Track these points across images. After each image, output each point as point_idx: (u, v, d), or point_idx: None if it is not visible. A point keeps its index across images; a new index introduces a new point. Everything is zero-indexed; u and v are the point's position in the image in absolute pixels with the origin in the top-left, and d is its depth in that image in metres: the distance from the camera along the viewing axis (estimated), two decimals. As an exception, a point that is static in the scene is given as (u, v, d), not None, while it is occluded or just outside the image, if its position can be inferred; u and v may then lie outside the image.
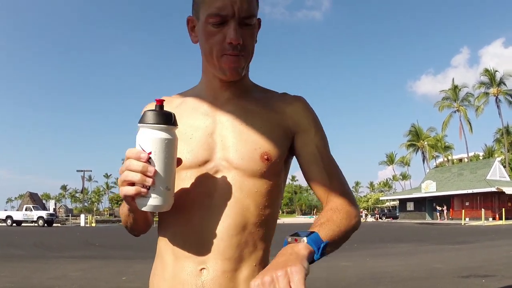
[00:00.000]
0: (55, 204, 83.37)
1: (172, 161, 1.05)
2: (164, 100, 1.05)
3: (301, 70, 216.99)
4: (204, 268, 1.15)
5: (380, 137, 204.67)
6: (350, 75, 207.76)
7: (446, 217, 52.03)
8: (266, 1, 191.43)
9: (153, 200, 1.02)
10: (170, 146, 1.03)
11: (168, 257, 1.21)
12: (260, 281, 0.89)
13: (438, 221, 50.66)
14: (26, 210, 47.48)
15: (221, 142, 1.22)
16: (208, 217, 1.17)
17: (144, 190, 1.00)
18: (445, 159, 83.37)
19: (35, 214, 46.31)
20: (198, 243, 1.17)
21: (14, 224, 45.87)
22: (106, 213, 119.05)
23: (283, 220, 79.40)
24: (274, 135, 1.24)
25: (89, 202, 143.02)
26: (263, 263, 1.22)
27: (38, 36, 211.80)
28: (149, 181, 1.00)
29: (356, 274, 9.47)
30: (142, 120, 1.02)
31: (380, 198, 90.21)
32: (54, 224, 49.13)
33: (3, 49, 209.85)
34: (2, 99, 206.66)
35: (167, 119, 1.02)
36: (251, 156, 1.19)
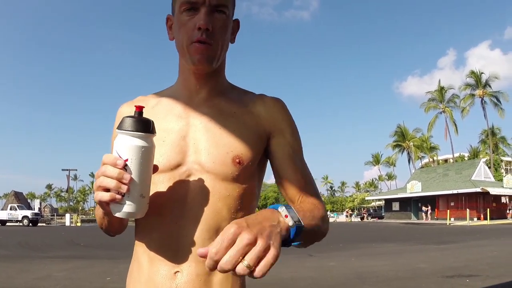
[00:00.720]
0: (40, 203, 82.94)
1: (148, 169, 1.05)
2: (143, 107, 1.05)
3: (288, 71, 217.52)
4: (178, 272, 1.16)
5: (366, 137, 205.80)
6: (337, 75, 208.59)
7: (430, 217, 52.35)
8: (254, 1, 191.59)
9: (127, 207, 1.02)
10: (147, 154, 1.03)
11: (144, 260, 1.21)
12: (235, 230, 0.87)
13: (424, 221, 50.97)
14: (10, 209, 47.13)
15: (193, 145, 1.22)
16: (181, 221, 1.17)
17: (118, 196, 1.00)
18: (431, 159, 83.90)
19: (19, 213, 46.01)
20: (172, 247, 1.17)
21: (-1, 224, 45.58)
22: (91, 212, 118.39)
23: (269, 220, 79.41)
24: (247, 138, 1.24)
25: (74, 202, 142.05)
26: None
27: (28, 35, 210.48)
28: (124, 188, 0.99)
29: (341, 274, 9.51)
30: (120, 126, 1.02)
31: (366, 198, 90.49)
32: (39, 224, 48.79)
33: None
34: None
35: (145, 127, 1.02)
36: (222, 159, 1.19)
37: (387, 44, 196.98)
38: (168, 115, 1.26)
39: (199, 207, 1.17)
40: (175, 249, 1.17)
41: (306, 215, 1.07)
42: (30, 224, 45.18)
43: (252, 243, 0.85)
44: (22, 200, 75.88)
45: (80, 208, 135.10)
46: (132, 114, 1.05)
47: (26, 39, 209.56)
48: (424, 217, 53.22)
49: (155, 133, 1.06)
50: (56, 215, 70.09)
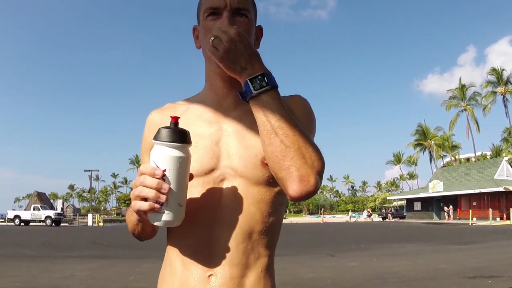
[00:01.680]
0: (63, 203, 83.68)
1: (185, 178, 1.08)
2: (179, 118, 1.07)
3: (307, 70, 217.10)
4: (212, 275, 1.18)
5: (387, 136, 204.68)
6: (356, 74, 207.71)
7: (452, 217, 51.84)
8: (271, 1, 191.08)
9: (166, 216, 1.05)
10: (184, 164, 1.06)
11: (177, 265, 1.24)
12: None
13: (446, 221, 50.50)
14: (34, 209, 47.61)
15: (225, 150, 1.23)
16: (216, 226, 1.19)
17: (157, 206, 1.03)
18: (453, 158, 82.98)
19: (43, 213, 46.44)
20: (207, 251, 1.19)
21: (22, 224, 46.09)
22: (113, 212, 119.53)
23: (290, 219, 79.36)
24: None
25: (96, 202, 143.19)
26: (269, 269, 1.25)
27: (45, 37, 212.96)
28: (163, 198, 1.03)
29: (362, 274, 9.51)
30: (157, 137, 1.05)
31: (387, 198, 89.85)
32: (61, 224, 49.27)
33: (8, 48, 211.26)
34: (10, 99, 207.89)
35: (182, 138, 1.05)
36: (253, 162, 1.20)
37: (406, 42, 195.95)
38: (198, 120, 1.28)
39: (232, 212, 1.19)
40: (208, 253, 1.19)
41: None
42: (53, 224, 45.70)
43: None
44: (45, 200, 76.58)
45: (102, 208, 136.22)
46: (163, 123, 1.11)
47: (46, 42, 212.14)
48: (446, 217, 52.72)
49: (191, 143, 1.09)
50: (79, 215, 70.57)
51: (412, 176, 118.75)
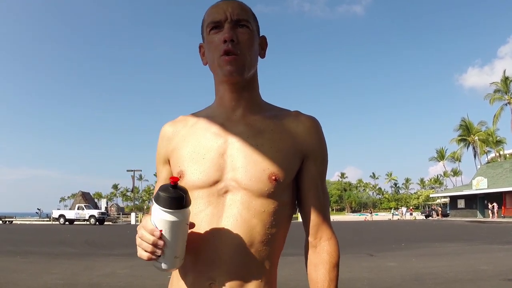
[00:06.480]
0: (107, 202, 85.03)
1: (182, 236, 1.17)
2: (178, 179, 1.13)
3: (345, 66, 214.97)
4: (212, 283, 1.23)
5: (430, 132, 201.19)
6: (395, 69, 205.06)
7: (497, 215, 50.57)
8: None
9: (162, 265, 1.18)
10: (178, 226, 1.14)
11: (182, 272, 1.30)
12: None
13: (490, 219, 49.36)
14: (78, 209, 48.49)
15: (231, 163, 1.27)
16: (217, 236, 1.23)
17: (154, 257, 1.15)
18: (497, 154, 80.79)
19: (87, 213, 47.32)
20: (208, 260, 1.24)
21: (67, 223, 47.02)
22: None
23: (333, 218, 78.77)
24: (283, 155, 1.29)
25: (140, 201, 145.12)
26: (269, 278, 1.28)
27: (91, 39, 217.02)
28: (158, 252, 1.13)
29: (400, 275, 9.41)
30: (156, 200, 1.13)
31: (431, 195, 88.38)
32: (105, 223, 50.14)
33: (54, 51, 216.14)
34: (53, 100, 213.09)
35: (177, 204, 1.12)
36: (259, 177, 1.24)
37: (444, 36, 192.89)
38: (207, 133, 1.33)
39: (234, 223, 1.23)
40: (210, 262, 1.23)
41: None
42: (97, 223, 46.55)
43: None
44: (89, 200, 77.85)
45: (145, 207, 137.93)
46: (175, 135, 1.36)
47: (90, 42, 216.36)
48: (491, 215, 51.50)
49: (189, 205, 1.15)
50: (122, 214, 71.65)
51: (456, 172, 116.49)
